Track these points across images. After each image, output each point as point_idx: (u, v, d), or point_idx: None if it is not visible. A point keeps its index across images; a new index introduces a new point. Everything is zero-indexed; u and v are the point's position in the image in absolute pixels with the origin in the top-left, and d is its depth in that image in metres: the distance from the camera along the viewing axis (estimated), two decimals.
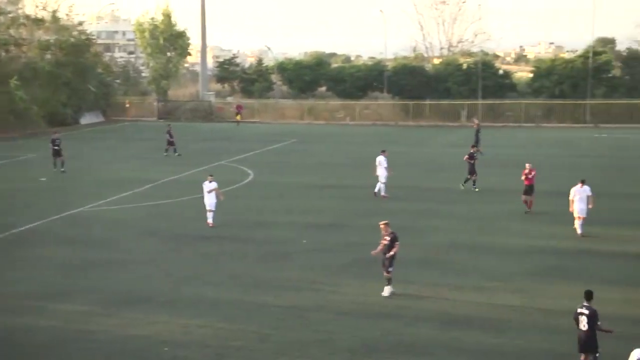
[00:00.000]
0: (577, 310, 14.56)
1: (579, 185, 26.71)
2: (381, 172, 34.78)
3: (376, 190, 34.81)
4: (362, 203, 33.42)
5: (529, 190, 30.97)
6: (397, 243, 20.08)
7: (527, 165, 31.53)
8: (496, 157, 49.29)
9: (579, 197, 26.50)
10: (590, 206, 26.58)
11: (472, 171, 36.07)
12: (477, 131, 48.59)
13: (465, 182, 36.27)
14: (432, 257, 24.09)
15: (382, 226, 20.31)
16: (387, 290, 20.09)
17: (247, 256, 24.65)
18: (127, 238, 27.43)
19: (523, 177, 31.06)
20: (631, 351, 12.94)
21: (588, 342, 14.25)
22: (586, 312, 14.31)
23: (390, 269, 20.01)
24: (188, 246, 26.07)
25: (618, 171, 41.73)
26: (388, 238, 20.09)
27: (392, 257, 19.98)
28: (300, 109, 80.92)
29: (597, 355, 14.34)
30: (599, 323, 14.18)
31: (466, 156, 36.40)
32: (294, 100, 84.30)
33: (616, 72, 78.47)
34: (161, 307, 19.63)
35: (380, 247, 20.24)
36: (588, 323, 14.22)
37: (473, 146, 37.31)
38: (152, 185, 38.91)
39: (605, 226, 27.34)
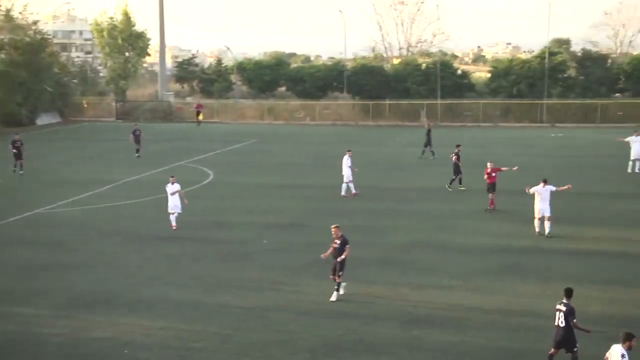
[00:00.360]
0: (555, 306, 14.78)
1: (541, 185, 26.62)
2: (346, 171, 34.94)
3: (343, 192, 34.93)
4: (322, 203, 33.50)
5: (491, 188, 31.38)
6: (348, 247, 19.85)
7: (488, 164, 31.97)
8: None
9: (541, 197, 26.47)
10: (563, 188, 26.60)
11: (457, 171, 36.05)
12: (428, 131, 48.63)
13: (451, 183, 36.19)
14: (392, 257, 24.24)
15: (333, 229, 20.11)
16: (334, 296, 19.82)
17: (207, 257, 24.57)
18: (87, 239, 27.14)
19: (485, 176, 31.49)
20: (605, 349, 13.16)
21: (563, 339, 14.46)
22: (563, 308, 14.53)
23: (340, 273, 19.82)
24: (149, 247, 25.90)
25: (576, 170, 42.42)
26: (338, 242, 19.86)
27: (343, 261, 19.79)
28: (260, 109, 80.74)
29: (575, 350, 14.50)
30: (574, 320, 14.36)
31: (453, 156, 36.37)
32: (254, 101, 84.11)
33: (571, 72, 79.75)
34: (122, 308, 19.48)
35: (330, 251, 20.10)
36: (565, 319, 14.42)
37: (458, 145, 37.06)
38: (113, 185, 38.54)
39: (565, 225, 27.74)
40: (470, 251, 24.76)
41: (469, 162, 46.48)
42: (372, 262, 23.44)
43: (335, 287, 19.88)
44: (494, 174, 31.33)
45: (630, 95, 76.01)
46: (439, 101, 77.05)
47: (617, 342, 12.80)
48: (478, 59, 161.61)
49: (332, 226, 20.26)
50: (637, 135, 41.29)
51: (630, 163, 41.06)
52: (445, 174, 41.31)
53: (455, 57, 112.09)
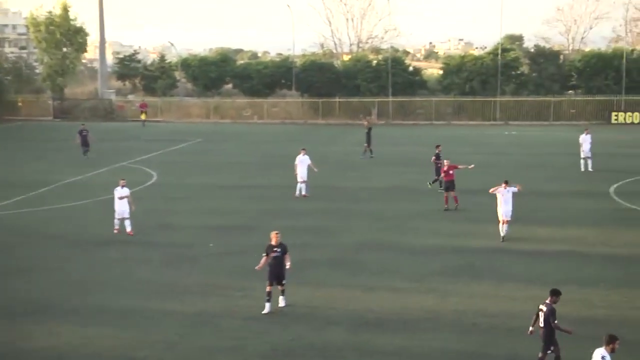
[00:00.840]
0: (538, 306, 14.92)
1: (503, 186, 26.27)
2: (301, 171, 34.87)
3: (297, 193, 34.88)
4: (272, 203, 33.45)
5: (449, 186, 31.71)
6: (288, 255, 19.31)
7: (445, 161, 32.31)
8: (408, 155, 50.16)
9: (503, 199, 26.12)
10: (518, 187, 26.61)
11: (438, 172, 35.83)
12: (369, 130, 48.63)
13: (433, 182, 36.12)
14: (343, 258, 24.30)
15: (273, 236, 19.35)
16: (281, 300, 19.42)
17: (152, 261, 24.32)
18: (26, 244, 26.63)
19: (442, 174, 31.83)
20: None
21: (544, 338, 14.59)
22: (544, 308, 14.68)
23: (284, 282, 19.37)
24: (92, 252, 25.52)
25: (529, 168, 43.11)
26: (278, 249, 19.16)
27: (283, 271, 19.28)
28: (206, 107, 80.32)
29: (549, 352, 14.59)
30: (555, 322, 14.46)
31: (433, 157, 36.56)
32: (199, 98, 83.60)
33: (524, 69, 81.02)
34: (64, 316, 19.14)
35: (264, 261, 19.26)
36: (544, 320, 14.57)
37: (438, 146, 37.03)
38: (54, 187, 37.92)
39: (519, 225, 28.13)
40: (424, 252, 24.96)
41: (422, 161, 46.98)
42: (323, 263, 23.47)
43: (281, 292, 19.40)
44: (451, 172, 31.66)
45: (582, 92, 77.55)
46: (391, 99, 77.58)
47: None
48: (430, 55, 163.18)
49: (273, 232, 19.49)
50: (587, 134, 42.05)
51: (582, 161, 41.87)
52: (397, 173, 41.68)
53: (406, 53, 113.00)
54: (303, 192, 34.86)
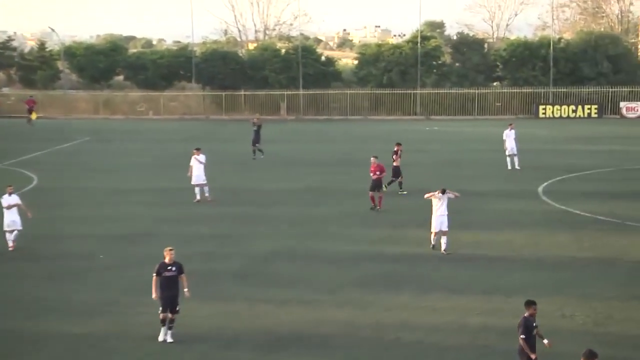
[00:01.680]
0: None
1: (438, 192, 25.63)
2: (199, 172, 34.42)
3: (198, 197, 34.43)
4: (170, 209, 33.05)
5: (376, 186, 31.95)
6: (184, 276, 18.40)
7: (372, 159, 32.54)
8: (321, 154, 50.39)
9: (439, 208, 25.46)
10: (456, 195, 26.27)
11: (397, 173, 35.64)
12: (259, 128, 48.21)
13: (389, 184, 35.42)
14: (252, 269, 24.19)
15: (167, 253, 18.37)
16: (167, 334, 18.25)
17: (32, 276, 23.68)
18: None
19: (372, 174, 32.03)
20: None
21: (519, 351, 14.69)
22: (519, 321, 14.83)
23: (178, 309, 18.24)
24: None
25: (452, 166, 43.87)
26: (173, 269, 18.19)
27: (180, 294, 18.33)
28: (95, 102, 78.87)
29: None
30: (522, 337, 14.57)
31: (394, 155, 35.91)
32: (86, 92, 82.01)
33: (446, 59, 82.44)
34: None
35: (155, 284, 18.25)
36: (518, 332, 14.73)
37: (398, 144, 36.58)
38: None
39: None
40: (341, 260, 25.05)
41: (338, 160, 47.27)
42: (228, 276, 23.30)
43: (169, 325, 18.25)
44: (378, 172, 31.94)
45: (508, 84, 79.43)
46: (301, 92, 77.78)
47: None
48: (344, 43, 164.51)
49: (166, 249, 18.57)
50: (511, 129, 42.81)
51: (508, 159, 42.77)
52: (310, 173, 41.79)
53: (318, 41, 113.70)
54: (206, 194, 34.51)
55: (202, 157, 34.52)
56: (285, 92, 77.21)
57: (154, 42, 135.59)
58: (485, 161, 45.79)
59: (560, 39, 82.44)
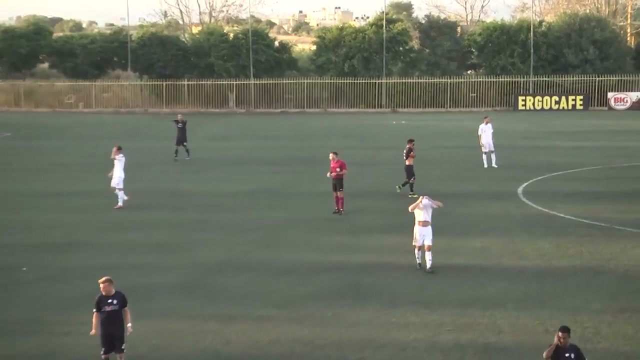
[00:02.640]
0: None
1: (420, 199, 24.72)
2: (118, 175, 34.06)
3: (120, 203, 34.14)
4: (103, 214, 32.86)
5: (338, 185, 31.98)
6: (127, 309, 17.32)
7: (331, 155, 32.52)
8: (274, 152, 50.39)
9: (422, 218, 24.58)
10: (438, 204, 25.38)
11: (410, 173, 35.56)
12: (184, 125, 47.79)
13: (403, 185, 35.75)
14: (197, 281, 24.09)
15: (102, 286, 17.05)
16: None
17: None
18: None
19: (332, 173, 31.94)
20: None
21: None
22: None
23: (124, 347, 17.33)
24: None
25: (423, 166, 44.01)
26: (114, 302, 17.03)
27: (124, 329, 17.46)
28: (15, 92, 78.14)
29: None
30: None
31: (409, 154, 35.66)
32: (5, 81, 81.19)
33: (414, 44, 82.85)
34: None
35: (95, 321, 17.19)
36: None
37: (411, 141, 36.14)
38: None
39: (412, 235, 28.72)
40: (297, 271, 25.04)
41: (294, 158, 47.29)
42: (171, 289, 23.19)
43: None
44: (338, 168, 31.93)
45: (484, 72, 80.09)
46: (252, 81, 77.75)
47: None
48: (300, 27, 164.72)
49: (101, 281, 17.08)
50: (487, 123, 43.05)
51: (485, 156, 43.14)
52: (261, 173, 41.77)
53: (271, 25, 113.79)
54: (120, 203, 33.94)
55: (120, 157, 34.07)
56: (234, 82, 77.10)
57: (84, 25, 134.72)
58: (458, 159, 46.11)
59: (541, 22, 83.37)
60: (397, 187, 36.03)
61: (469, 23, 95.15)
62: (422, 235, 24.53)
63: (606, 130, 59.85)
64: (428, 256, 24.45)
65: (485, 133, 42.88)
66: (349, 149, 47.71)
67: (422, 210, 24.64)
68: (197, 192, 37.58)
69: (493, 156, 43.01)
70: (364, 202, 34.14)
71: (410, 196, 34.49)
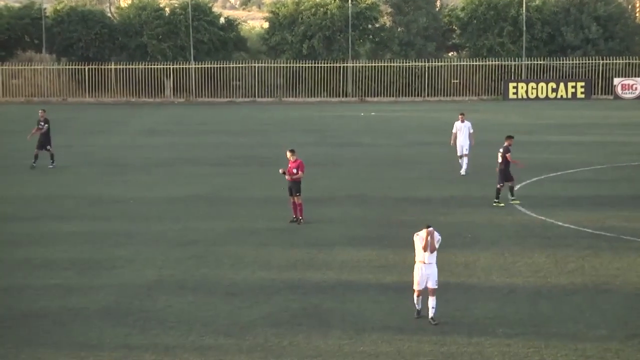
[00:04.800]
0: None
1: (424, 232, 22.44)
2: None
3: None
4: (12, 225, 32.58)
5: (295, 188, 31.90)
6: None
7: (288, 154, 32.41)
8: (219, 148, 50.27)
9: (427, 256, 22.25)
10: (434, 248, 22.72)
11: (508, 177, 35.23)
12: (46, 124, 47.18)
13: (512, 194, 35.49)
14: (125, 306, 23.93)
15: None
16: None
17: None
18: None
19: (287, 175, 31.80)
20: None
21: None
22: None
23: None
24: None
25: (396, 166, 44.12)
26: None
27: None
28: None
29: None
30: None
31: (504, 153, 35.00)
32: None
33: (385, 21, 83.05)
34: None
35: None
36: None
37: (509, 137, 35.59)
38: None
39: (384, 247, 28.67)
40: (245, 292, 24.95)
41: (243, 157, 47.17)
42: (94, 315, 22.99)
43: None
44: (295, 170, 31.87)
45: (468, 54, 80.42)
46: (193, 65, 77.58)
47: None
48: (250, 1, 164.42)
49: None
50: (462, 121, 41.60)
51: (461, 161, 41.94)
52: (199, 175, 41.60)
53: None
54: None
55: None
56: (171, 66, 76.88)
57: None
58: (438, 157, 46.22)
59: None
60: (510, 197, 35.47)
61: None
62: (425, 276, 22.23)
63: (612, 122, 60.34)
64: (431, 302, 22.19)
65: (461, 132, 41.55)
66: (308, 145, 47.74)
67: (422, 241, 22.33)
68: (124, 199, 37.35)
69: (465, 161, 41.61)
70: (325, 210, 34.08)
71: (495, 204, 34.85)
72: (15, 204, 36.02)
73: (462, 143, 41.58)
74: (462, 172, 41.54)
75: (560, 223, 32.23)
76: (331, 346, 20.85)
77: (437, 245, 22.31)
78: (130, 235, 31.29)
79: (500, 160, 34.95)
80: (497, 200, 35.14)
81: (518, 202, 35.16)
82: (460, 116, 42.16)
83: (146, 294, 24.93)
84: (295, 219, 32.36)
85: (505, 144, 35.21)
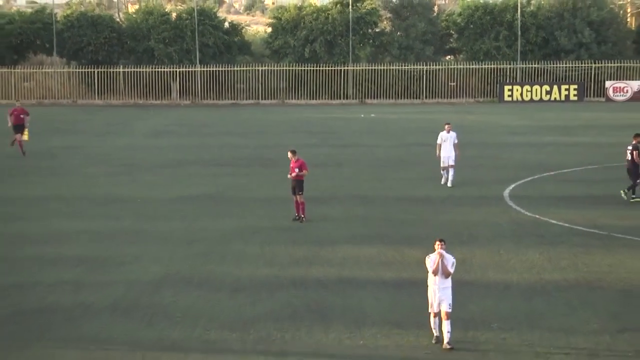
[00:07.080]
0: None
1: (438, 247, 20.56)
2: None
3: None
4: (21, 224, 32.61)
5: (298, 187, 31.91)
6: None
7: (289, 154, 32.41)
8: (224, 149, 50.28)
9: (439, 276, 20.32)
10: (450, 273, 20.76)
11: (636, 172, 35.07)
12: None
13: (629, 189, 35.40)
14: (134, 301, 23.95)
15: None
16: None
17: None
18: None
19: (292, 174, 31.83)
20: None
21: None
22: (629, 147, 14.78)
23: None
24: None
25: (396, 166, 44.11)
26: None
27: None
28: None
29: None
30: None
31: (633, 151, 35.02)
32: None
33: (385, 26, 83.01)
34: None
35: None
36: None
37: (638, 135, 35.18)
38: None
39: (384, 244, 28.66)
40: (250, 288, 24.96)
41: (246, 158, 47.19)
42: (103, 310, 23.01)
43: None
44: (298, 169, 31.84)
45: (464, 58, 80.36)
46: (199, 68, 77.54)
47: None
48: (254, 6, 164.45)
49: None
50: (448, 131, 38.88)
51: (443, 173, 39.45)
52: (206, 175, 41.61)
53: (220, 3, 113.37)
54: None
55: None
56: (177, 69, 76.81)
57: (1, 3, 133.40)
58: (435, 158, 46.12)
59: (529, 0, 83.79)
60: (621, 192, 35.48)
61: (447, 1, 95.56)
62: (439, 298, 20.55)
63: (604, 124, 60.31)
64: (446, 326, 20.39)
65: (446, 143, 38.87)
66: (310, 146, 47.74)
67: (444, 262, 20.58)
68: (132, 198, 37.37)
69: (451, 172, 39.12)
70: (326, 208, 34.10)
71: (632, 200, 35.05)
72: (25, 204, 36.07)
73: (448, 154, 38.92)
74: (449, 183, 39.01)
75: (554, 221, 32.27)
76: (332, 340, 20.88)
77: (451, 270, 20.42)
78: (138, 234, 31.34)
79: (629, 157, 35.04)
80: (634, 197, 35.18)
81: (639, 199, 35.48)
82: (446, 126, 39.14)
83: (153, 290, 24.96)
84: (297, 218, 32.41)
85: (634, 142, 35.03)
